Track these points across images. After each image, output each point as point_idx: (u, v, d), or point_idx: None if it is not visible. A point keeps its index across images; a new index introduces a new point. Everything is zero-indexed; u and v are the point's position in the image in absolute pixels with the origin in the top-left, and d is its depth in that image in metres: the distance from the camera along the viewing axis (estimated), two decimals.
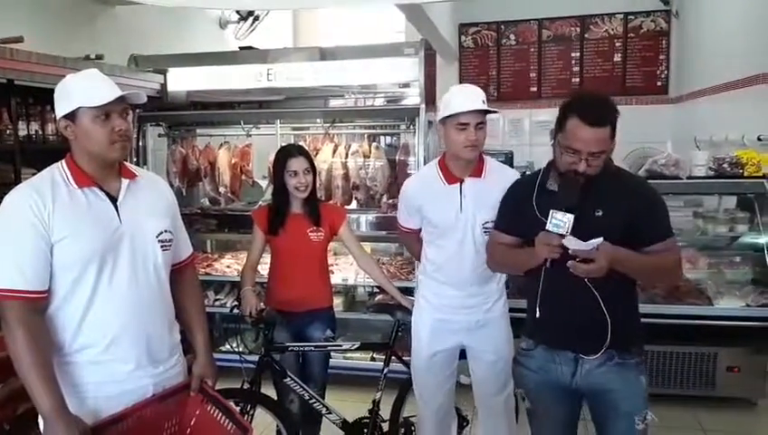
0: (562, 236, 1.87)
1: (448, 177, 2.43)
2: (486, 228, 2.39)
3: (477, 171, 2.43)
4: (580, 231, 1.86)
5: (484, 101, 2.32)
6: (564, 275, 1.89)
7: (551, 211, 1.90)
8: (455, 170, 2.43)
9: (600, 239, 1.83)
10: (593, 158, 1.88)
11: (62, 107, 1.71)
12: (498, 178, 2.41)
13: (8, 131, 3.11)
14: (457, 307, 2.49)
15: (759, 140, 4.45)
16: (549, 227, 1.89)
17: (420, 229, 2.59)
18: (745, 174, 3.64)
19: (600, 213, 1.95)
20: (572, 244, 1.86)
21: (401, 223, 2.68)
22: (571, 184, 1.93)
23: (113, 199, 1.77)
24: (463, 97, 2.33)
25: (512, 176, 2.47)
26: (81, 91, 1.69)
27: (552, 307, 2.06)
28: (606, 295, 1.95)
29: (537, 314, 2.06)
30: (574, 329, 2.02)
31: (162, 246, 1.85)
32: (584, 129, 1.85)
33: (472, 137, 2.29)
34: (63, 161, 1.77)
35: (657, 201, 2.02)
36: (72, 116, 1.69)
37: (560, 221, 1.87)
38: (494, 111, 2.39)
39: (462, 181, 2.41)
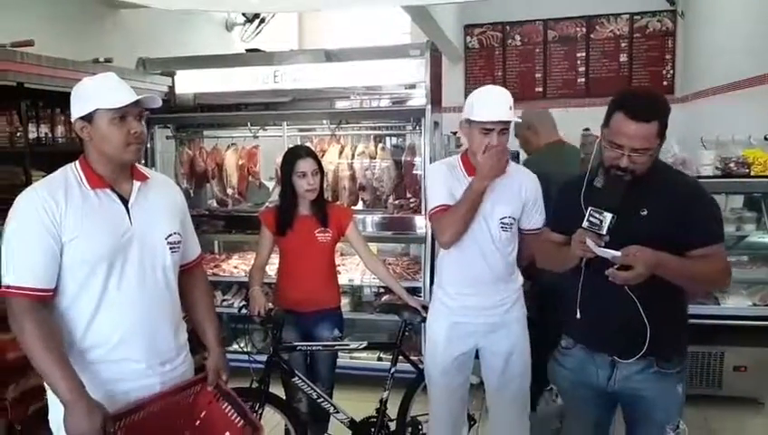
0: (600, 235, 1.83)
1: (469, 169, 2.42)
2: (504, 223, 2.39)
3: None
4: (623, 230, 1.82)
5: (511, 107, 2.31)
6: (603, 276, 1.85)
7: (589, 208, 1.86)
8: (476, 165, 2.40)
9: (618, 253, 1.78)
10: (637, 154, 1.82)
11: (78, 108, 1.74)
12: (518, 178, 2.44)
13: (18, 134, 3.13)
14: (474, 308, 2.46)
15: (766, 139, 4.43)
16: (584, 224, 1.85)
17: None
18: (752, 173, 3.64)
19: (645, 212, 1.90)
20: (594, 247, 1.82)
21: (439, 202, 2.42)
22: (615, 184, 1.88)
23: (125, 201, 1.80)
24: (489, 104, 2.31)
25: (531, 176, 2.49)
26: (99, 94, 1.72)
27: (590, 308, 2.02)
28: (646, 301, 1.88)
29: (577, 315, 2.04)
30: (611, 331, 1.97)
31: (171, 248, 1.88)
32: (628, 123, 1.81)
33: (494, 142, 2.30)
34: (77, 162, 1.80)
35: (705, 204, 1.93)
36: (88, 117, 1.73)
37: (596, 220, 1.83)
38: (518, 120, 2.37)
39: None
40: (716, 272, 1.92)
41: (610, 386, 2.01)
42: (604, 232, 1.83)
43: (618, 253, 1.78)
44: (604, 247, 1.83)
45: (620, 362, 1.98)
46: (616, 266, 1.81)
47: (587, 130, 5.10)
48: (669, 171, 2.04)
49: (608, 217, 1.82)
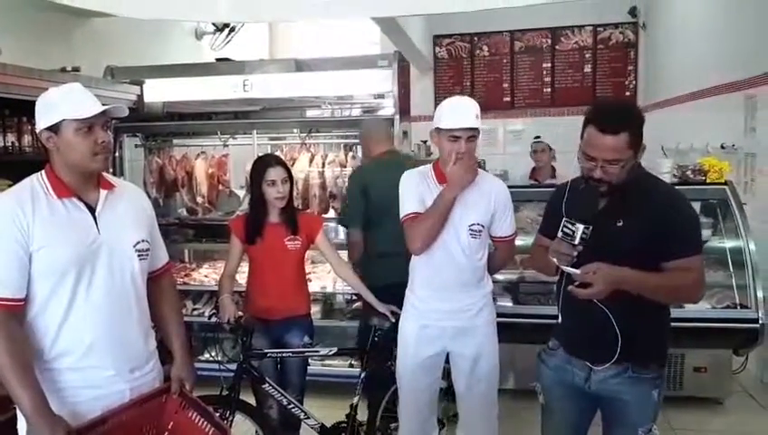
0: (573, 245, 1.88)
1: (440, 177, 2.49)
2: (473, 230, 2.45)
3: None
4: (599, 241, 1.86)
5: (477, 116, 2.40)
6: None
7: (563, 219, 1.91)
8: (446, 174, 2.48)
9: (578, 271, 1.83)
10: (609, 165, 1.87)
11: (44, 119, 1.75)
12: (487, 186, 2.51)
13: None
14: (442, 312, 2.53)
15: (722, 147, 4.61)
16: (559, 234, 1.91)
17: None
18: (708, 181, 3.77)
19: (621, 223, 1.94)
20: (559, 263, 1.89)
21: (411, 210, 2.49)
22: (589, 195, 1.94)
23: (92, 210, 1.81)
24: (456, 111, 2.40)
25: (499, 184, 2.57)
26: (64, 104, 1.74)
27: (568, 314, 2.10)
28: (619, 312, 1.92)
29: (559, 320, 2.12)
30: (586, 339, 2.04)
31: (139, 256, 1.90)
32: (598, 136, 1.87)
33: (462, 149, 2.38)
34: (43, 172, 1.80)
35: (683, 216, 1.95)
36: (55, 128, 1.74)
37: (569, 230, 1.88)
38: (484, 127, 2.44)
39: None
40: (685, 286, 1.94)
41: (588, 387, 2.07)
42: (576, 242, 1.87)
43: (578, 271, 1.84)
44: (576, 256, 1.88)
45: (595, 368, 2.04)
46: (577, 284, 1.86)
47: (537, 138, 5.22)
48: (650, 182, 2.06)
49: (580, 227, 1.86)
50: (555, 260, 1.91)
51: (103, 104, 1.79)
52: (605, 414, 2.13)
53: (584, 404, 2.14)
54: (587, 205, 1.94)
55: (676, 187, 3.69)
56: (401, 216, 2.54)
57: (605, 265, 1.83)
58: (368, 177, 3.37)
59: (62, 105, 1.74)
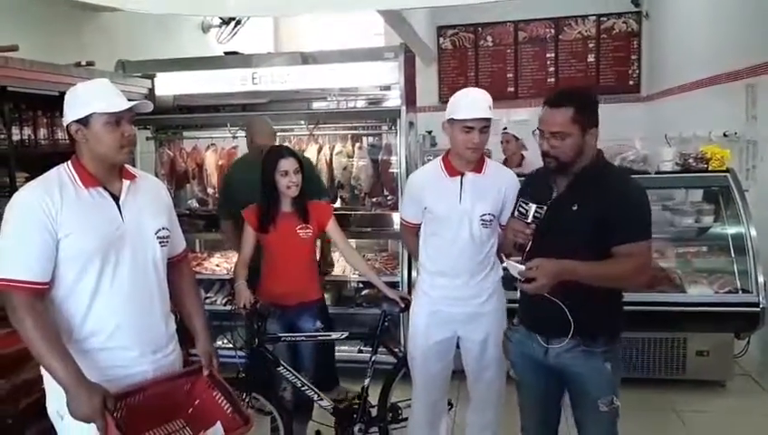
0: (527, 223, 2.02)
1: (450, 170, 2.58)
2: (484, 220, 2.54)
3: (478, 168, 2.58)
4: (554, 223, 1.99)
5: (490, 107, 2.48)
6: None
7: (518, 199, 2.05)
8: (457, 165, 2.58)
9: (523, 268, 1.94)
10: (553, 138, 2.01)
11: (74, 112, 1.83)
12: (497, 176, 2.60)
13: (2, 136, 3.16)
14: (453, 298, 2.62)
15: (725, 135, 4.67)
16: (515, 214, 2.05)
17: (420, 225, 2.73)
18: (710, 168, 3.83)
19: (576, 207, 2.04)
20: (507, 262, 2.01)
21: (404, 217, 2.82)
22: (547, 178, 2.06)
23: (116, 199, 1.90)
24: (470, 103, 2.48)
25: (509, 174, 2.66)
26: (95, 99, 1.82)
27: (524, 295, 2.18)
28: (567, 297, 2.00)
29: (518, 296, 2.22)
30: (540, 320, 2.17)
31: (160, 243, 1.99)
32: (545, 110, 2.04)
33: (476, 140, 2.46)
34: (69, 163, 1.89)
35: (633, 202, 2.03)
36: (84, 121, 1.82)
37: (524, 209, 2.02)
38: (498, 119, 2.56)
39: (463, 175, 2.56)
40: (626, 273, 2.01)
41: (547, 360, 2.17)
42: (529, 220, 2.01)
43: (522, 267, 1.95)
44: (531, 235, 2.03)
45: (550, 346, 2.15)
46: (522, 279, 1.95)
47: (505, 129, 5.25)
48: (606, 169, 2.16)
49: (533, 207, 2.01)
50: (505, 262, 2.02)
51: (137, 102, 1.88)
52: (569, 389, 2.23)
53: (548, 377, 2.24)
54: (544, 187, 2.09)
55: (679, 175, 3.83)
56: (400, 215, 2.72)
57: (546, 261, 1.93)
58: (234, 170, 3.58)
59: (93, 99, 1.82)
